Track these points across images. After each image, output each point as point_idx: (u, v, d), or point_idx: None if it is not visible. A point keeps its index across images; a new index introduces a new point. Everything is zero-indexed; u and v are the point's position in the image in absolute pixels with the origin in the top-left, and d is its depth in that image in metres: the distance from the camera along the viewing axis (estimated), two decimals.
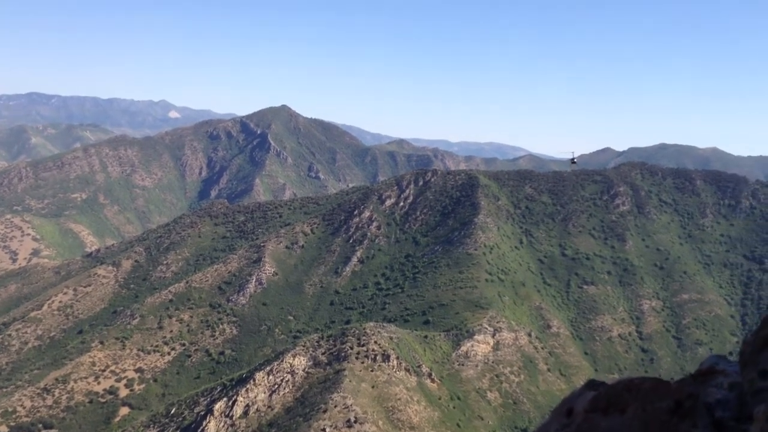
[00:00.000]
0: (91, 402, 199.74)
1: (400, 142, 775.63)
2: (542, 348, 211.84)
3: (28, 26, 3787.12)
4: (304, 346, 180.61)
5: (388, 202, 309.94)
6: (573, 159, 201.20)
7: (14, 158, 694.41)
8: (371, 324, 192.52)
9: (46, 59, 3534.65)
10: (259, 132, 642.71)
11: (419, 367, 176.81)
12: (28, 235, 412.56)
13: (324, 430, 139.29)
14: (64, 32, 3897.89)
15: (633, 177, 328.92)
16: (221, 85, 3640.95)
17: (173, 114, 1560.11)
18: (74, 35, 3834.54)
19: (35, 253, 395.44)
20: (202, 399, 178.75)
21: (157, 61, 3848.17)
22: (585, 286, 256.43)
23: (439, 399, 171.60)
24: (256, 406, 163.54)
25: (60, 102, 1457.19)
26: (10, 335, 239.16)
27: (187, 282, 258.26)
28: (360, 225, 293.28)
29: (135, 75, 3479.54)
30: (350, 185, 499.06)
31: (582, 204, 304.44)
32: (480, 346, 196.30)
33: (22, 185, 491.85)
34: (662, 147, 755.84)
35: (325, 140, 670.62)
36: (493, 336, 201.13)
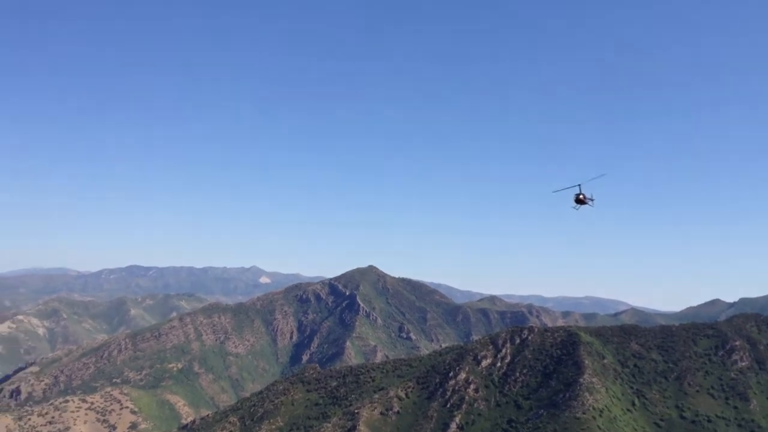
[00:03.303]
0: None
1: (492, 299, 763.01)
2: None
3: (129, 204, 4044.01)
4: None
5: (485, 363, 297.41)
6: (580, 194, 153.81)
7: (114, 330, 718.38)
8: None
9: (145, 233, 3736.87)
10: (347, 293, 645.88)
11: None
12: (127, 407, 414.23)
13: None
14: (163, 207, 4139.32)
15: (748, 330, 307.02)
16: (310, 248, 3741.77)
17: (264, 279, 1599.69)
18: (173, 210, 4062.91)
19: (133, 426, 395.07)
20: None
21: (249, 229, 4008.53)
22: None
23: None
24: None
25: (157, 273, 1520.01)
26: None
27: None
28: (456, 388, 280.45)
29: (228, 243, 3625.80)
30: (443, 345, 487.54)
31: (696, 360, 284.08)
32: None
33: (122, 357, 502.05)
34: None
35: (415, 299, 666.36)
36: None
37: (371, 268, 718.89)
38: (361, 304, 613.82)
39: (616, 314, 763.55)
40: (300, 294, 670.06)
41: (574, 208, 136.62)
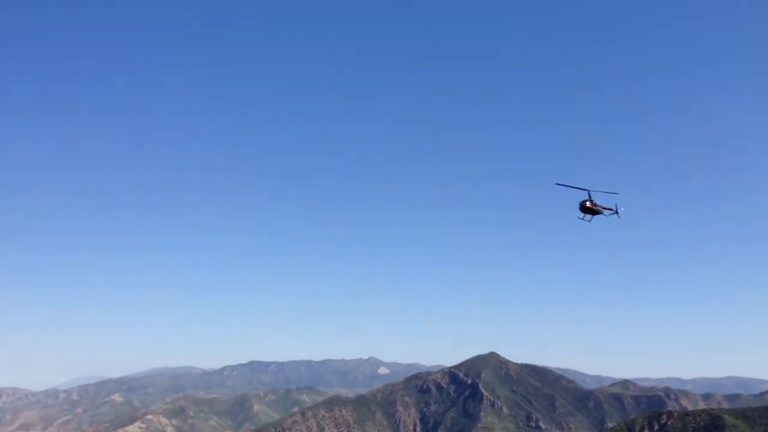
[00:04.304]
0: None
1: (625, 383, 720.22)
2: None
3: (247, 300, 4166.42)
4: None
5: None
6: (587, 201, 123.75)
7: (239, 426, 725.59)
8: None
9: (264, 328, 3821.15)
10: (469, 382, 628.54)
11: None
12: None
13: None
14: (279, 301, 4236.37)
15: None
16: (427, 336, 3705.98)
17: (382, 370, 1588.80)
18: (289, 303, 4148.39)
19: None
20: None
21: (365, 319, 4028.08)
22: None
23: None
24: None
25: (278, 368, 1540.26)
26: None
27: None
28: None
29: (344, 334, 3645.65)
30: None
31: None
32: None
33: None
34: None
35: (541, 386, 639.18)
36: None
37: (492, 354, 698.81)
38: (485, 393, 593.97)
39: (761, 394, 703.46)
40: (420, 384, 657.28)
41: (581, 219, 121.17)
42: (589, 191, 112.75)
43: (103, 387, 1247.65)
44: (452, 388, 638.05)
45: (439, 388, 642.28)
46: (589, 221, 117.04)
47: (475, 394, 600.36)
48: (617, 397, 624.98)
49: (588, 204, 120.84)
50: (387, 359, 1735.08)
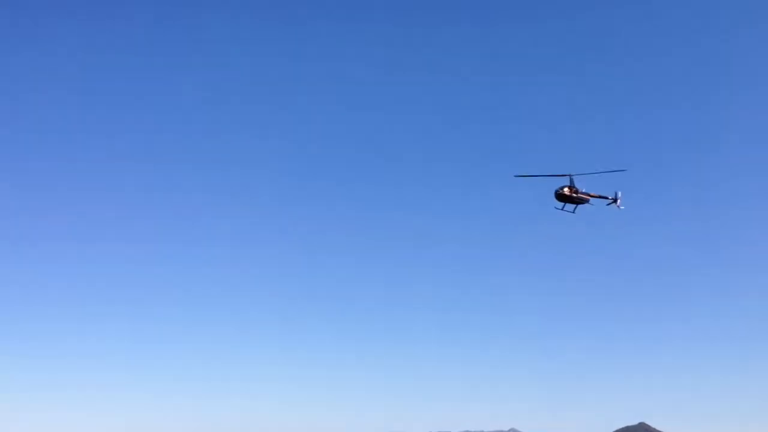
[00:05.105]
0: None
1: None
2: None
3: (377, 368, 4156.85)
4: None
5: None
6: (565, 187, 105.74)
7: None
8: None
9: (399, 397, 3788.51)
10: None
11: None
12: None
13: None
14: (415, 369, 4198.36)
15: None
16: (570, 405, 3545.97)
17: None
18: (427, 371, 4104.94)
19: None
20: None
21: (502, 387, 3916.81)
22: None
23: None
24: None
25: None
26: None
27: None
28: None
29: (482, 402, 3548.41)
30: None
31: None
32: None
33: None
34: None
35: None
36: None
37: (642, 425, 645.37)
38: None
39: None
40: None
41: (559, 209, 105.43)
42: (571, 176, 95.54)
43: None
44: None
45: None
46: (572, 212, 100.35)
47: None
48: None
49: (566, 191, 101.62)
50: (528, 429, 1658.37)
